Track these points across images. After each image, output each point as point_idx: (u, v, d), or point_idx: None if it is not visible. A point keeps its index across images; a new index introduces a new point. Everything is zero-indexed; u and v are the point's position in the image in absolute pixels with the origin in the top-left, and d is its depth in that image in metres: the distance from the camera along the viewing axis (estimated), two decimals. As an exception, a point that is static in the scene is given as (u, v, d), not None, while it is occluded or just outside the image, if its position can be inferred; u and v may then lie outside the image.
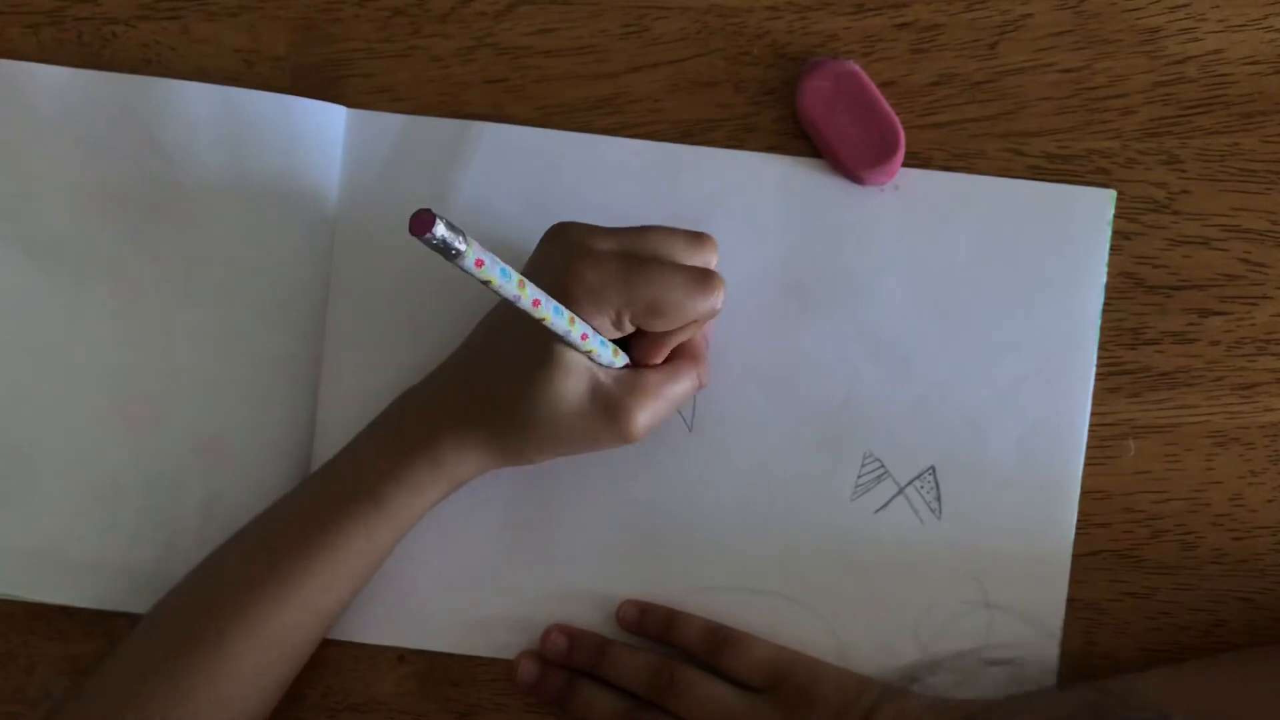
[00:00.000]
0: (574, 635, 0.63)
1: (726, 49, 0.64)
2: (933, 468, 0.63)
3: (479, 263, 0.47)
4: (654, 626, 0.63)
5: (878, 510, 0.63)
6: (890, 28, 0.64)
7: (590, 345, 0.55)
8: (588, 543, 0.64)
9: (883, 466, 0.63)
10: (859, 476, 0.63)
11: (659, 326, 0.57)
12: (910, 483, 0.63)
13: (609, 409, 0.57)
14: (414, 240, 0.63)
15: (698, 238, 0.58)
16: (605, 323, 0.56)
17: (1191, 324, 0.63)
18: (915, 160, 0.63)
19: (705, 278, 0.57)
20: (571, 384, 0.56)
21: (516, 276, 0.50)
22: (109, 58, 0.64)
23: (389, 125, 0.64)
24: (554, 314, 0.52)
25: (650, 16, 0.64)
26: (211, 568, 0.60)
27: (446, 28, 0.64)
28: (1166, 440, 0.63)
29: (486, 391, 0.58)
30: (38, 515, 0.64)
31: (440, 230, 0.45)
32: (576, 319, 0.54)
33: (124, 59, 0.65)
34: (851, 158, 0.62)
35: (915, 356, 0.63)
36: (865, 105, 0.62)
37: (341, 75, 0.64)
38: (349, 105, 0.64)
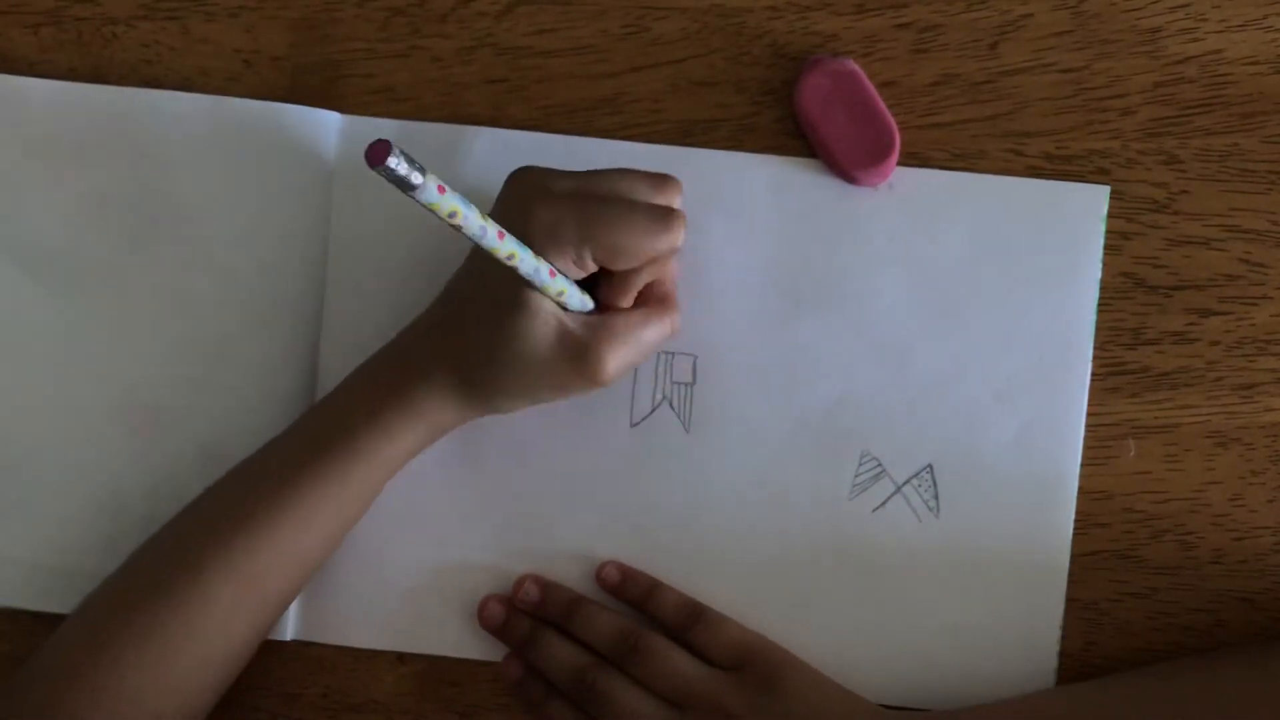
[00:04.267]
0: (546, 587, 0.63)
1: (726, 49, 0.64)
2: (930, 466, 0.63)
3: (440, 189, 0.46)
4: (633, 591, 0.63)
5: (875, 509, 0.63)
6: (890, 28, 0.64)
7: (560, 285, 0.55)
8: (584, 544, 0.64)
9: (880, 465, 0.63)
10: (856, 476, 0.63)
11: (619, 265, 0.57)
12: (907, 481, 0.63)
13: (576, 353, 0.57)
14: (408, 244, 0.63)
15: (660, 178, 0.58)
16: (566, 263, 0.56)
17: (1191, 324, 0.63)
18: (916, 161, 0.63)
19: (665, 214, 0.57)
20: (538, 327, 0.56)
21: (478, 210, 0.49)
22: (109, 58, 0.65)
23: (383, 130, 0.64)
24: (520, 249, 0.52)
25: (650, 16, 0.64)
26: (194, 508, 0.60)
27: (446, 28, 0.64)
28: (1166, 440, 0.63)
29: (456, 337, 0.58)
30: (40, 526, 0.64)
31: (397, 161, 0.44)
32: (541, 258, 0.54)
33: (124, 59, 0.65)
34: (847, 157, 0.62)
35: (911, 355, 0.63)
36: (863, 105, 0.62)
37: (341, 75, 0.64)
38: (349, 105, 0.64)
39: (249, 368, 0.64)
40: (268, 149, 0.64)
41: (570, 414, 0.63)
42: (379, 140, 0.44)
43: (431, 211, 0.47)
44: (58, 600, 0.63)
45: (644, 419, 0.63)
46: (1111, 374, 0.63)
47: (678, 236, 0.57)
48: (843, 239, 0.63)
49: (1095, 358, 0.63)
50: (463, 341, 0.58)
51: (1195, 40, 0.63)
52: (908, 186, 0.63)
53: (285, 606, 0.61)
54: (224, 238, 0.64)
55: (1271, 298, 0.63)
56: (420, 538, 0.63)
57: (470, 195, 0.63)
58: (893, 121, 0.62)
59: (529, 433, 0.63)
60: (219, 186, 0.64)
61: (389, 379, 0.59)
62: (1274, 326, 0.63)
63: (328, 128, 0.64)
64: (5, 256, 0.64)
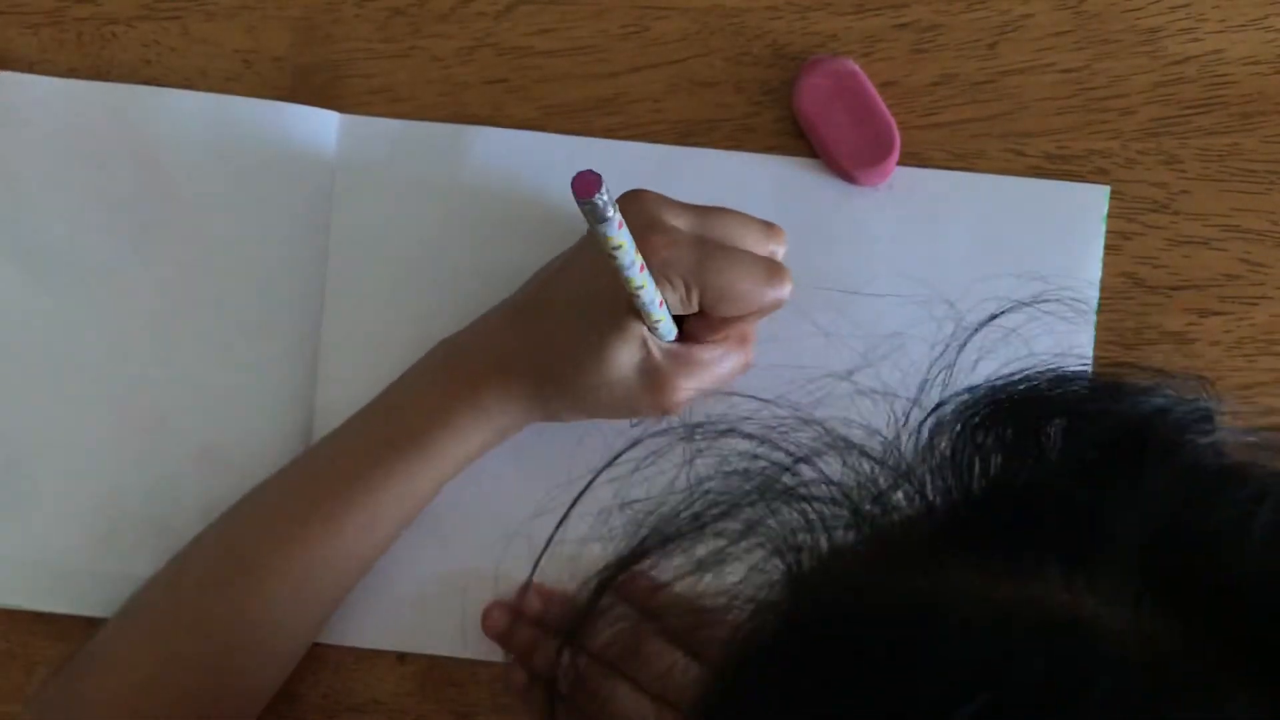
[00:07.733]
0: (549, 595, 0.63)
1: (726, 49, 0.64)
2: (932, 467, 0.63)
3: (620, 224, 0.48)
4: (637, 595, 0.63)
5: (876, 509, 0.63)
6: (890, 28, 0.64)
7: (660, 315, 0.56)
8: (586, 547, 0.63)
9: (881, 465, 0.63)
10: (857, 475, 0.63)
11: (725, 313, 0.57)
12: (910, 481, 0.63)
13: (655, 380, 0.57)
14: (409, 244, 0.63)
15: (770, 228, 0.58)
16: (675, 300, 0.56)
17: (1191, 324, 0.63)
18: (915, 161, 0.63)
19: (776, 270, 0.57)
20: (628, 352, 0.56)
21: (634, 245, 0.50)
22: (109, 58, 0.64)
23: (383, 130, 0.64)
24: (649, 282, 0.53)
25: (650, 16, 0.64)
26: (250, 504, 0.60)
27: (446, 28, 0.64)
28: (1166, 440, 0.63)
29: (538, 345, 0.58)
30: (37, 525, 0.63)
31: (602, 197, 0.45)
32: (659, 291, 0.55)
33: (124, 59, 0.65)
34: (847, 157, 0.62)
35: (911, 355, 0.63)
36: (862, 105, 0.62)
37: (341, 75, 0.64)
38: (349, 105, 0.64)
39: (249, 368, 0.64)
40: (268, 149, 0.64)
41: (570, 414, 0.63)
42: (589, 172, 0.44)
43: (602, 239, 0.48)
44: (57, 600, 0.63)
45: (644, 420, 0.63)
46: (1111, 374, 0.63)
47: (786, 294, 0.57)
48: (843, 239, 0.63)
49: (1095, 358, 0.63)
50: (545, 350, 0.58)
51: (1195, 40, 0.63)
52: (908, 186, 0.63)
53: (338, 605, 0.61)
54: (224, 237, 0.64)
55: (1271, 298, 0.63)
56: (421, 538, 0.63)
57: (471, 195, 0.64)
58: (893, 121, 0.62)
59: (530, 435, 0.62)
60: (219, 186, 0.64)
61: (460, 377, 0.59)
62: (1274, 326, 0.63)
63: (328, 128, 0.64)
64: (5, 255, 0.64)
